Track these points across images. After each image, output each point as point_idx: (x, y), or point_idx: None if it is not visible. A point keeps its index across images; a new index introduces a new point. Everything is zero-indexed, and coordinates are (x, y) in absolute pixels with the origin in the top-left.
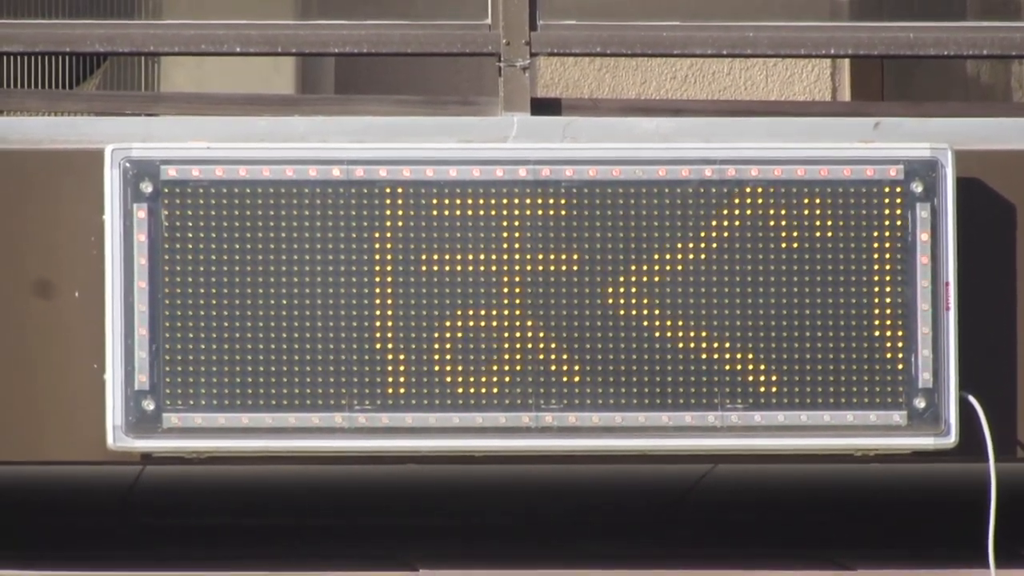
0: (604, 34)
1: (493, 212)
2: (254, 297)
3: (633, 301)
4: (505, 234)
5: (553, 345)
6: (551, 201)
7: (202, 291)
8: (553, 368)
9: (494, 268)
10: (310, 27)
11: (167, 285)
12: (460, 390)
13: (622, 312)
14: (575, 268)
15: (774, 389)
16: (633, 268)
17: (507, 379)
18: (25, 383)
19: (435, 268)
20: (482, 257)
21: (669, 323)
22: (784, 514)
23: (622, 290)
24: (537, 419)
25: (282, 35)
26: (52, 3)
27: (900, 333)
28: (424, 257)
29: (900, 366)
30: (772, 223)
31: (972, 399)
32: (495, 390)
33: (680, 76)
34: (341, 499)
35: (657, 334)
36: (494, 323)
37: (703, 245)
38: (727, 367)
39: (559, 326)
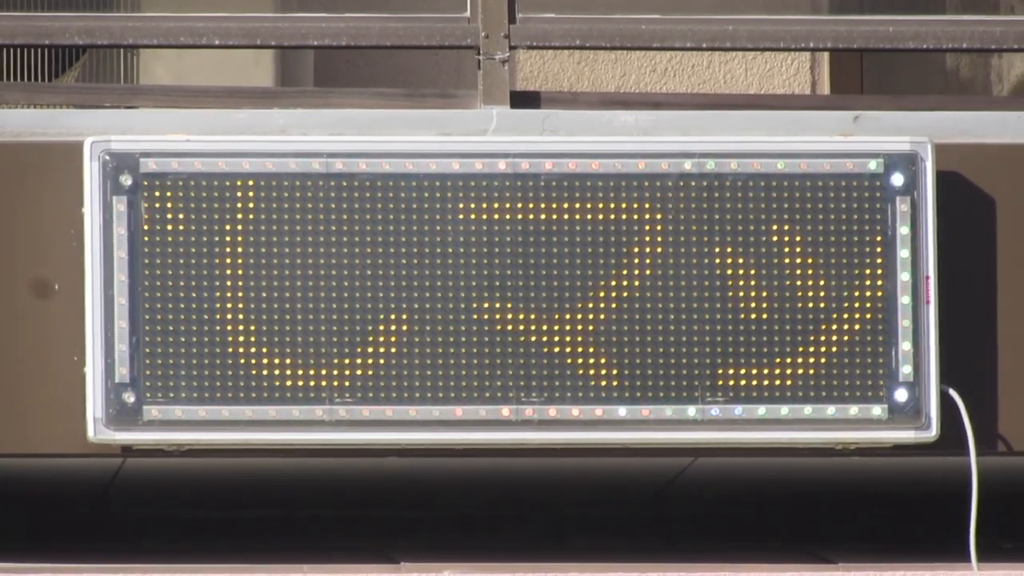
0: (583, 27)
1: (472, 205)
2: (234, 290)
3: (612, 294)
4: (484, 227)
5: (533, 339)
6: (530, 194)
7: (182, 284)
8: (533, 361)
9: (473, 261)
10: (289, 20)
11: (147, 278)
12: (440, 383)
13: (601, 305)
14: (555, 261)
15: (755, 383)
16: (612, 261)
17: (487, 372)
18: (5, 376)
19: (415, 261)
20: (462, 250)
21: (649, 316)
22: (765, 508)
23: (601, 283)
24: (517, 412)
25: (261, 28)
26: None
27: (880, 327)
28: (404, 250)
29: (881, 360)
30: (751, 216)
31: (953, 393)
32: (475, 383)
33: (660, 69)
34: (321, 492)
35: (637, 327)
36: (474, 316)
37: (682, 238)
38: (707, 360)
39: (539, 319)
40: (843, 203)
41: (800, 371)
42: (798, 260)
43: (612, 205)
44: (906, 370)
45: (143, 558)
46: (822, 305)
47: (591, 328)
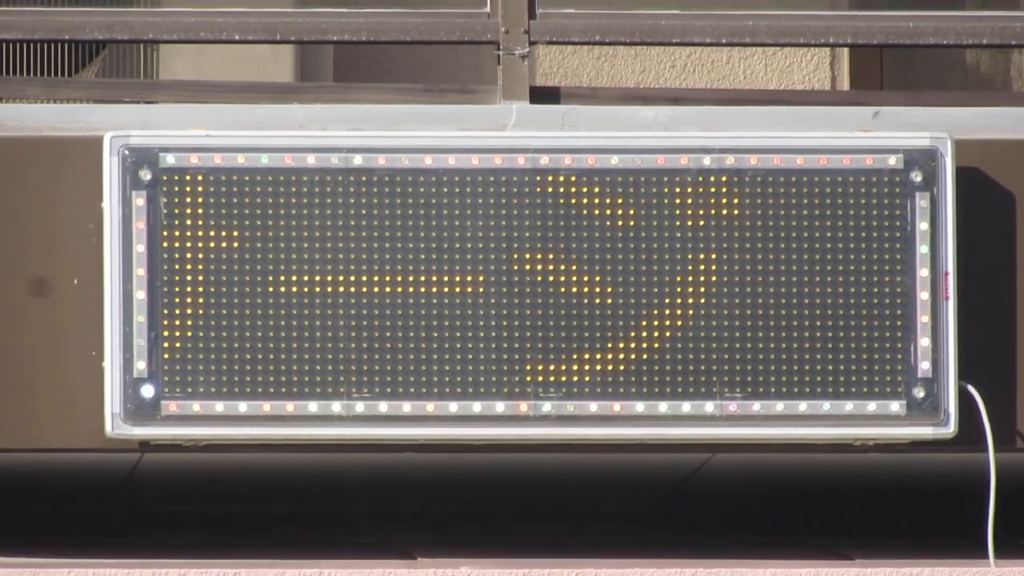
0: (603, 22)
1: (492, 200)
2: (252, 285)
3: (631, 290)
4: (503, 222)
5: (551, 334)
6: (549, 189)
7: (200, 279)
8: (551, 356)
9: (492, 256)
10: (309, 15)
11: (165, 273)
12: (458, 378)
13: (620, 301)
14: (573, 256)
15: (772, 378)
16: (631, 257)
17: (505, 367)
18: (23, 370)
19: (433, 256)
20: (480, 245)
21: (667, 312)
22: (782, 503)
23: (620, 278)
24: (535, 407)
25: (281, 23)
26: None
27: (899, 323)
28: (422, 245)
29: (899, 355)
30: (771, 212)
31: (971, 389)
32: (493, 378)
33: (679, 65)
34: (339, 487)
35: (655, 322)
36: (492, 311)
37: (701, 234)
38: (726, 356)
39: (557, 315)
40: (863, 199)
41: (818, 367)
42: (817, 256)
43: (631, 200)
44: (925, 366)
45: (160, 553)
46: (841, 301)
47: (609, 323)
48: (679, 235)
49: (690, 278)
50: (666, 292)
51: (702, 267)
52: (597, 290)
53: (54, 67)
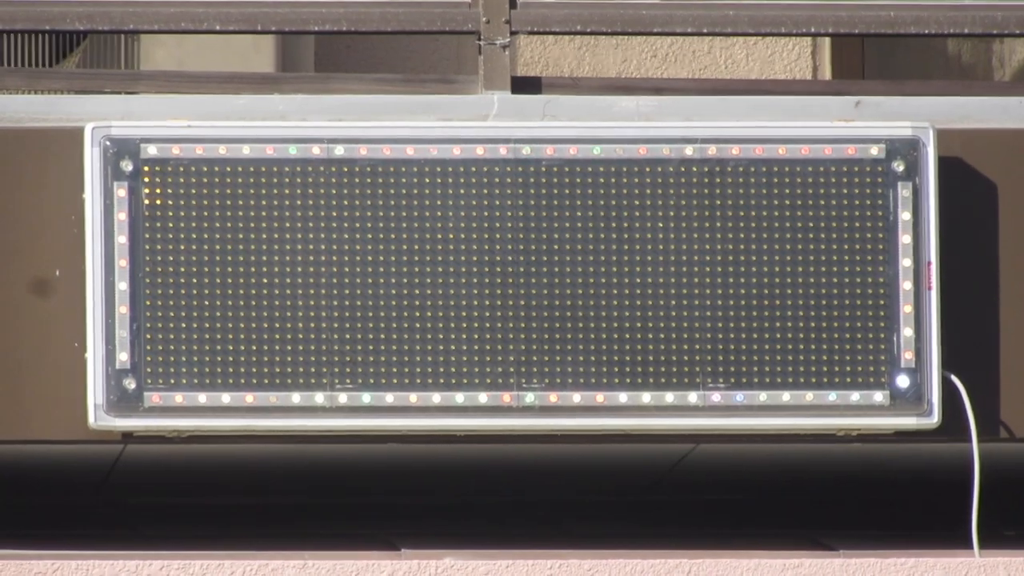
0: (584, 12)
1: (473, 191)
2: (235, 276)
3: (614, 280)
4: (485, 212)
5: (534, 324)
6: (531, 180)
7: (182, 270)
8: (534, 348)
9: (474, 247)
10: (290, 5)
11: (147, 264)
12: (441, 369)
13: (603, 291)
14: (555, 247)
15: (756, 368)
16: (614, 247)
17: (488, 358)
18: (6, 362)
19: (415, 247)
20: (462, 236)
21: (650, 302)
22: (766, 494)
23: (603, 269)
24: (518, 398)
25: (262, 13)
26: None
27: (882, 313)
28: (405, 236)
29: (882, 345)
30: (753, 202)
31: (955, 379)
32: (476, 369)
33: (661, 55)
34: (322, 478)
35: (638, 313)
36: (475, 302)
37: (684, 224)
38: (709, 347)
39: (540, 305)
40: (845, 188)
41: (801, 357)
42: (799, 246)
43: (613, 191)
44: (908, 356)
45: (144, 544)
46: (823, 291)
47: (592, 314)
48: (661, 225)
49: (672, 268)
50: (648, 282)
51: (684, 257)
52: (579, 280)
53: (35, 58)
